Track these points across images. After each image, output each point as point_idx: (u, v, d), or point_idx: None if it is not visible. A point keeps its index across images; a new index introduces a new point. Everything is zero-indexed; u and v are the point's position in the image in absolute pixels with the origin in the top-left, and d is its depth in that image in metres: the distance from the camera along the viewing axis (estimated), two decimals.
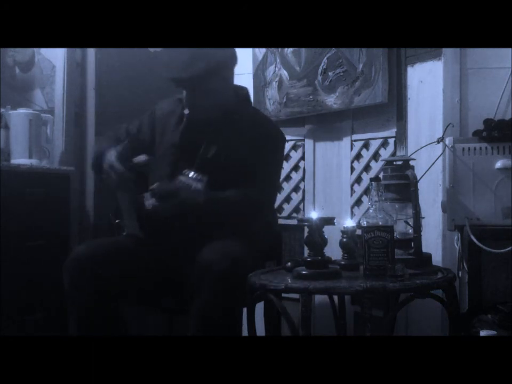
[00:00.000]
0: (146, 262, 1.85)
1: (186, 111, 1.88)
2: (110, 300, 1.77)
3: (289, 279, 1.53)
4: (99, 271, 1.74)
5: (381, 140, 2.16)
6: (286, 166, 2.45)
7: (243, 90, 2.01)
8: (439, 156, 1.80)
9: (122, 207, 1.95)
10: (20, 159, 2.41)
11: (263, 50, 2.56)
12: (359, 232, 1.66)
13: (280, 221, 2.24)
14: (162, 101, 2.03)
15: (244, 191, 1.78)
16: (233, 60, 1.89)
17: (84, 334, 1.75)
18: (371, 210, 1.53)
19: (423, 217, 1.63)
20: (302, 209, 2.47)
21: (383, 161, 1.74)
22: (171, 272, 1.83)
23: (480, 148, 1.67)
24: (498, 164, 1.65)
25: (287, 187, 2.50)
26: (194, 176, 1.66)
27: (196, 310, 1.64)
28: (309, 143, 2.42)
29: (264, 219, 1.93)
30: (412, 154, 1.90)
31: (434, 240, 1.92)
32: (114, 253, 1.81)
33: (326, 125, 2.36)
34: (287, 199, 2.50)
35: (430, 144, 1.82)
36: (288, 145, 2.36)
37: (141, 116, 2.03)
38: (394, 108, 2.10)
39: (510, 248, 1.56)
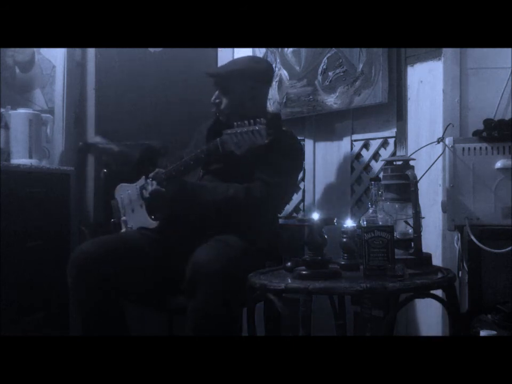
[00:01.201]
0: (149, 261, 1.85)
1: (213, 109, 2.01)
2: (113, 298, 1.78)
3: (289, 279, 1.52)
4: (102, 270, 1.74)
5: (381, 139, 2.16)
6: None
7: (275, 112, 2.21)
8: (439, 156, 1.80)
9: (125, 200, 1.98)
10: (20, 159, 2.42)
11: (263, 50, 2.56)
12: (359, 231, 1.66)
13: (280, 221, 2.24)
14: None
15: (259, 186, 1.83)
16: (268, 72, 2.04)
17: (87, 332, 1.76)
18: (371, 210, 1.53)
19: (423, 217, 1.63)
20: (302, 209, 2.46)
21: (383, 161, 1.74)
22: (173, 272, 1.83)
23: (480, 148, 1.67)
24: (498, 164, 1.65)
25: None
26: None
27: (191, 311, 1.64)
28: (309, 143, 2.42)
29: (274, 216, 2.00)
30: (412, 154, 1.89)
31: (434, 240, 1.92)
32: (117, 251, 1.81)
33: (326, 125, 2.36)
34: None
35: (430, 144, 1.82)
36: None
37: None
38: (394, 107, 2.09)
39: (510, 248, 1.56)
